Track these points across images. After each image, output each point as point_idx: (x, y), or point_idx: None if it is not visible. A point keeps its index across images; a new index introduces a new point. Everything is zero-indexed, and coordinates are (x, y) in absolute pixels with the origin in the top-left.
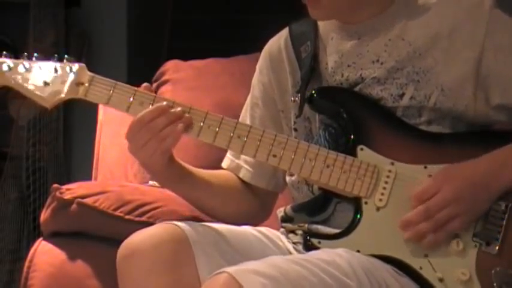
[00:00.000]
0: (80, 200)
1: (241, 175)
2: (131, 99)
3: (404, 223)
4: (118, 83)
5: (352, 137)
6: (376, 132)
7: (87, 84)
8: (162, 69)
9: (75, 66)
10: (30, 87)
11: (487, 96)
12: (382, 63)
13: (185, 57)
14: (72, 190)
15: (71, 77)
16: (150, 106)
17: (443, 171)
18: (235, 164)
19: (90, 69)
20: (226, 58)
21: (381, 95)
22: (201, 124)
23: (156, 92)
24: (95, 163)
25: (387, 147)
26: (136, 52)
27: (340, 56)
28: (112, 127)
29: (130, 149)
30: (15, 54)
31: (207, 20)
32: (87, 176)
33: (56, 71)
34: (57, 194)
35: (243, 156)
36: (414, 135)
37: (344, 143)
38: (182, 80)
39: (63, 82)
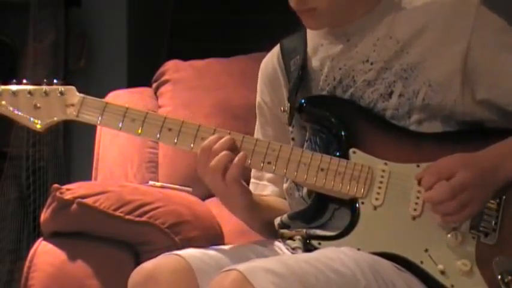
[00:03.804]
0: (80, 200)
1: (268, 192)
2: (123, 117)
3: (428, 200)
4: (109, 102)
5: (343, 141)
6: (367, 135)
7: (77, 106)
8: (162, 69)
9: (65, 89)
10: (21, 112)
11: (473, 91)
12: (371, 63)
13: (185, 57)
14: (72, 190)
15: (61, 99)
16: (142, 122)
17: (456, 157)
18: (261, 186)
19: (90, 70)
20: (226, 58)
21: (372, 97)
22: (195, 134)
23: (156, 92)
24: (95, 163)
25: (379, 149)
26: (136, 52)
27: (331, 60)
28: None
29: (209, 185)
30: (3, 81)
31: (207, 20)
32: (87, 176)
33: (46, 94)
34: (57, 194)
35: (266, 176)
36: (405, 135)
37: (336, 147)
38: (182, 80)
39: (54, 105)
